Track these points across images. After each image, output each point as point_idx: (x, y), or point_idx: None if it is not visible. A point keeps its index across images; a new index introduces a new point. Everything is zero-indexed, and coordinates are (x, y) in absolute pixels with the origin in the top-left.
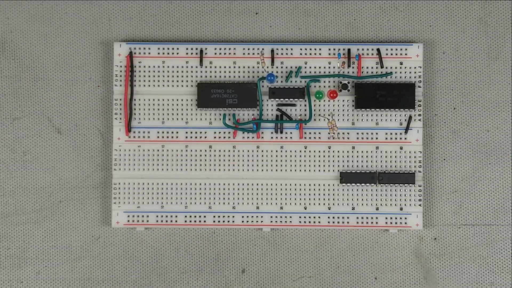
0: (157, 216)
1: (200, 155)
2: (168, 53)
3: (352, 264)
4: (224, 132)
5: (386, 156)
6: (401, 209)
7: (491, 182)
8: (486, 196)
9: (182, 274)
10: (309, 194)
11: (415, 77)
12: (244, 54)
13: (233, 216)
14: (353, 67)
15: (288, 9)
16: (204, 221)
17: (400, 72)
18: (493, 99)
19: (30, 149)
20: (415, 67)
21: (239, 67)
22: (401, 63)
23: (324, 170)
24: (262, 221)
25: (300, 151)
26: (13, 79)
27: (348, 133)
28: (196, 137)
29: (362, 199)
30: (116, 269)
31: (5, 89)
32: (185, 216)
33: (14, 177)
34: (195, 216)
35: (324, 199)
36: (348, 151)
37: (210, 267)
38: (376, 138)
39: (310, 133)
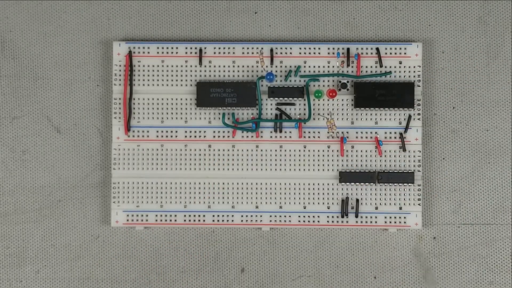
0: (156, 216)
1: (199, 155)
2: (167, 52)
3: (351, 263)
4: (224, 132)
5: (385, 156)
6: (400, 208)
7: (490, 181)
8: (485, 195)
9: (182, 274)
10: (309, 194)
11: (414, 76)
12: (243, 53)
13: (233, 216)
14: (352, 66)
15: (287, 9)
16: (204, 221)
17: (399, 72)
18: (493, 98)
19: (29, 148)
20: (414, 66)
21: (238, 66)
22: (400, 62)
23: (323, 170)
24: (261, 221)
25: (300, 151)
26: (13, 79)
27: (347, 132)
28: (195, 136)
29: (362, 199)
30: (116, 268)
31: (5, 88)
32: (184, 216)
33: (14, 176)
34: (194, 216)
35: (323, 199)
36: (347, 150)
37: (210, 266)
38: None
39: (309, 132)
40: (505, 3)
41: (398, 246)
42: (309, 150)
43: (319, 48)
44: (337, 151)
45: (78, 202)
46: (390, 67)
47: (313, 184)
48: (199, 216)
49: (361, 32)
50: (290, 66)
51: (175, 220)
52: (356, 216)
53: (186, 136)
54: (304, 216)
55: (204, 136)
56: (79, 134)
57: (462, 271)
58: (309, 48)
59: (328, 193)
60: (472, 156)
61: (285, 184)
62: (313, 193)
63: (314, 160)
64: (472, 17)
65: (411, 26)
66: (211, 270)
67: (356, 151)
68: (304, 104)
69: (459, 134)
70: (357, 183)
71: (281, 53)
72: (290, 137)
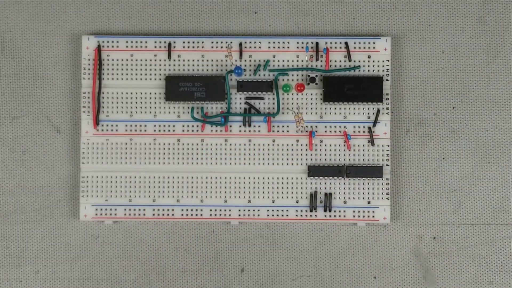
0: (125, 210)
1: (168, 148)
2: (136, 47)
3: (351, 263)
4: (192, 126)
5: (354, 150)
6: (368, 202)
7: (490, 181)
8: (485, 195)
9: (182, 274)
10: (277, 188)
11: (383, 70)
12: (212, 47)
13: (201, 210)
14: (321, 61)
15: (287, 9)
16: (172, 215)
17: (369, 66)
18: (493, 98)
19: (29, 148)
20: (383, 61)
21: (207, 60)
22: (369, 57)
23: (292, 164)
24: (230, 215)
25: (268, 145)
26: (13, 79)
27: (316, 127)
28: (164, 130)
29: (330, 193)
30: (116, 268)
31: (5, 88)
32: (153, 210)
33: (13, 176)
34: (163, 210)
35: (292, 193)
36: (316, 145)
37: (210, 266)
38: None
39: (278, 126)
40: (505, 3)
41: (398, 246)
42: (278, 144)
43: (288, 42)
44: (306, 145)
45: (77, 202)
46: (359, 61)
47: (282, 178)
48: (167, 210)
49: (361, 32)
50: (259, 61)
51: (144, 214)
52: (330, 210)
53: (155, 130)
54: (272, 210)
55: (173, 130)
56: (79, 134)
57: (462, 271)
58: (278, 43)
59: (296, 187)
60: (472, 156)
61: (253, 178)
62: (282, 187)
63: (282, 154)
64: (472, 17)
65: (411, 26)
66: (211, 270)
67: (325, 145)
68: (273, 98)
69: (459, 134)
70: (326, 177)
71: (250, 47)
72: (259, 131)
